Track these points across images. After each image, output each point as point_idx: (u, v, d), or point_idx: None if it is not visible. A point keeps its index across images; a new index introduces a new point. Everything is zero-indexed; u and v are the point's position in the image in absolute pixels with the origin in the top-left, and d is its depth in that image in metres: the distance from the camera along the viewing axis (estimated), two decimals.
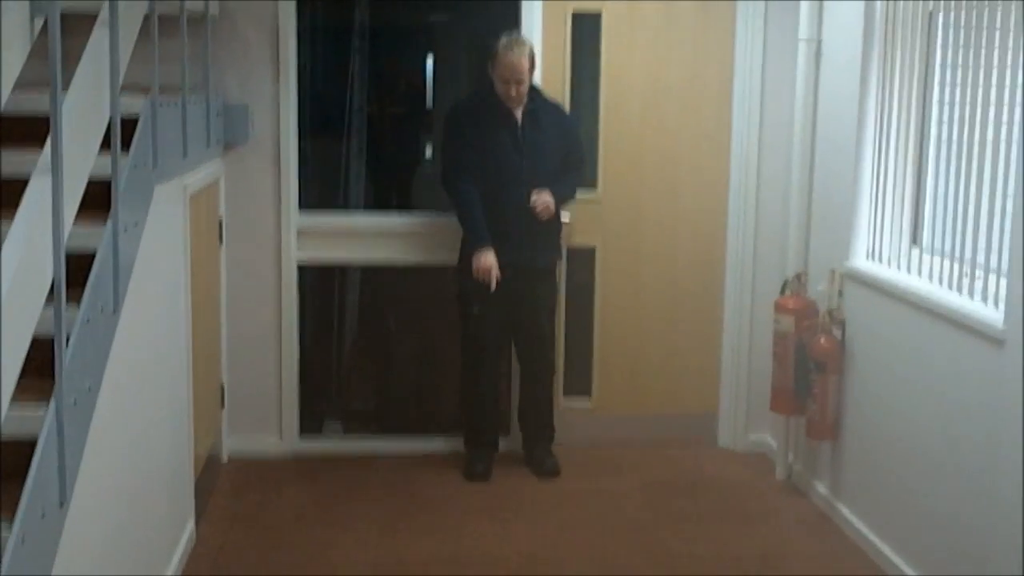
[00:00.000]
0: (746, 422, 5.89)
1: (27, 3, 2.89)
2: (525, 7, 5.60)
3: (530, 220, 5.27)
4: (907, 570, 4.32)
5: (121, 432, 3.48)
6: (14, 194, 2.73)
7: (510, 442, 5.75)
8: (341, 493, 5.22)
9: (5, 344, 2.31)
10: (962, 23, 4.16)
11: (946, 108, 4.30)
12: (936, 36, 4.41)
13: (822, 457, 5.14)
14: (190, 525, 4.56)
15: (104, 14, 3.18)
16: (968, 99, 4.09)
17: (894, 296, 4.47)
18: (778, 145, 5.61)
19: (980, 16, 4.01)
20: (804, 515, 5.08)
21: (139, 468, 3.78)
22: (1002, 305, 3.71)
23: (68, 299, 2.74)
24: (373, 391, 6.32)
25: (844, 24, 4.96)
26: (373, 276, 6.13)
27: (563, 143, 5.41)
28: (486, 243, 5.23)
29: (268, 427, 5.68)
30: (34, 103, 3.31)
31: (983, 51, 3.99)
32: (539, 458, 5.55)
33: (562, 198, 5.37)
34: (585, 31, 5.73)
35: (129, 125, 3.47)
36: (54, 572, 2.68)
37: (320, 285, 6.18)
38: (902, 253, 4.62)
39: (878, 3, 4.73)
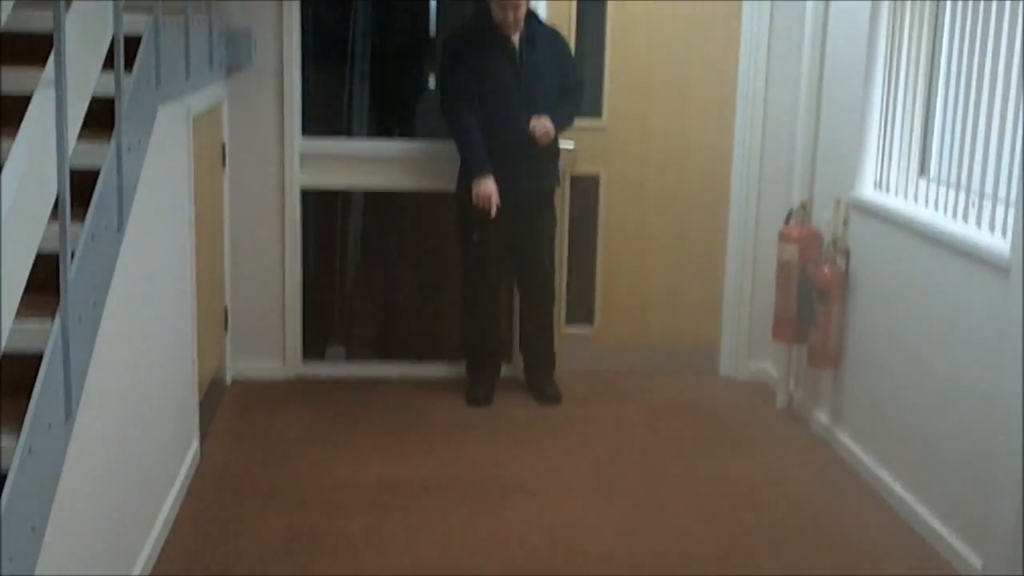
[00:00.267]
0: (747, 351, 5.91)
1: None
2: None
3: (529, 146, 5.26)
4: (906, 496, 4.35)
5: (126, 350, 3.50)
6: (15, 111, 2.72)
7: (512, 368, 5.78)
8: (343, 415, 5.26)
9: (9, 258, 2.31)
10: None
11: (956, 38, 4.27)
12: None
13: (823, 386, 5.17)
14: (195, 444, 4.60)
15: None
16: (979, 29, 4.06)
17: (899, 225, 4.47)
18: (786, 74, 5.57)
19: None
20: (803, 442, 5.11)
21: (145, 386, 3.80)
22: (1009, 234, 3.70)
23: (72, 216, 2.74)
24: (376, 317, 6.34)
25: None
26: (376, 202, 6.12)
27: (561, 68, 5.37)
28: (485, 170, 5.21)
29: (271, 352, 5.71)
30: (36, 20, 3.28)
31: None
32: (540, 385, 5.58)
33: (561, 124, 5.34)
34: None
35: (131, 44, 3.44)
36: (62, 483, 2.71)
37: (323, 210, 6.17)
38: (909, 183, 4.60)
39: None
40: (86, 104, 2.96)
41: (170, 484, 4.18)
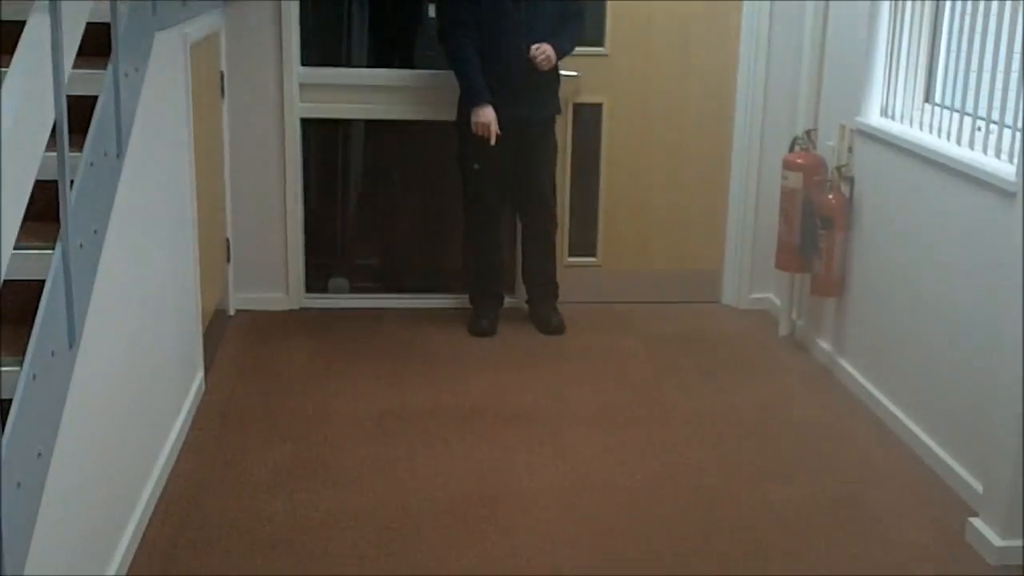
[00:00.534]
0: (750, 280, 5.90)
1: None
2: None
3: (529, 74, 5.21)
4: (908, 422, 4.37)
5: (129, 278, 3.49)
6: (10, 38, 2.69)
7: (515, 299, 5.77)
8: (347, 346, 5.26)
9: (7, 186, 2.29)
10: None
11: None
12: None
13: (826, 314, 5.16)
14: (199, 374, 4.61)
15: None
16: None
17: (905, 151, 4.44)
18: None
19: None
20: (806, 370, 5.12)
21: (148, 316, 3.80)
22: (1016, 159, 3.67)
23: (71, 144, 2.72)
24: (378, 248, 6.33)
25: None
26: (376, 132, 6.09)
27: None
28: (484, 99, 5.18)
29: (274, 283, 5.70)
30: None
31: None
32: (544, 315, 5.58)
33: (562, 50, 5.29)
34: None
35: None
36: (67, 411, 2.71)
37: (323, 141, 6.14)
38: (915, 109, 4.57)
39: None
40: (81, 30, 2.92)
41: (175, 414, 4.19)
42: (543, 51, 5.17)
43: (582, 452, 4.26)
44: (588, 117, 5.78)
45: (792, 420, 4.60)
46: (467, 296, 5.65)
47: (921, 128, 4.47)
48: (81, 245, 2.81)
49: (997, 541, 3.55)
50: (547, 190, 5.51)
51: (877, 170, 4.70)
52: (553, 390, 4.83)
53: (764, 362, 5.22)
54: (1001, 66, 3.89)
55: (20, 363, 2.44)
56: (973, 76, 4.09)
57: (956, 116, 4.21)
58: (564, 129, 5.65)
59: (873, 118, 4.79)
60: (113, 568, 3.23)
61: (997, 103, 3.94)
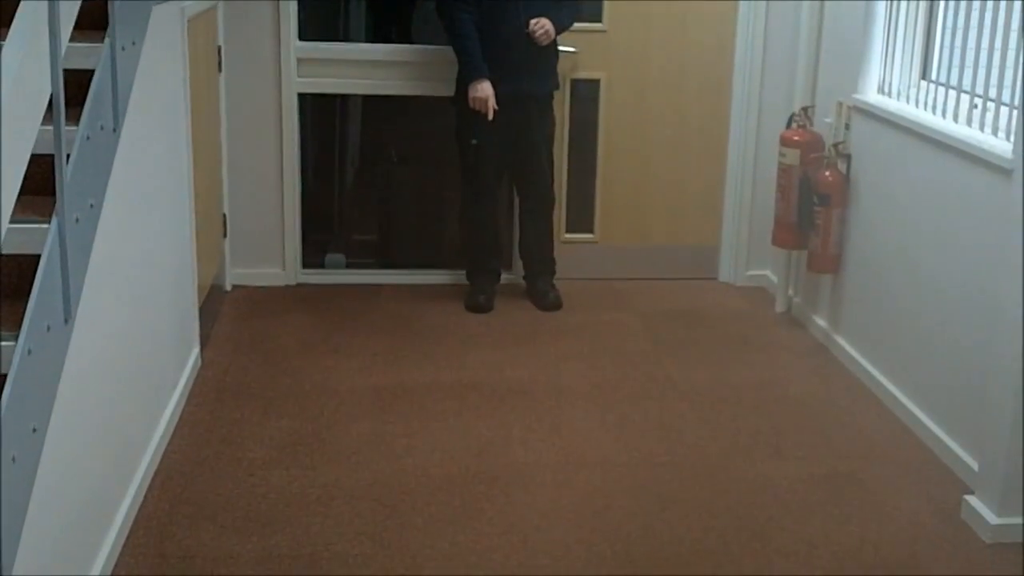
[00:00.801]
0: (747, 257, 5.90)
1: None
2: None
3: (527, 49, 5.20)
4: (904, 399, 4.37)
5: (125, 253, 3.49)
6: (7, 10, 2.68)
7: (512, 275, 5.77)
8: (344, 321, 5.26)
9: (3, 159, 2.28)
10: None
11: None
12: None
13: (822, 290, 5.17)
14: (195, 349, 4.61)
15: None
16: None
17: (902, 128, 4.43)
18: None
19: None
20: (802, 346, 5.13)
21: (144, 290, 3.79)
22: (1012, 136, 3.67)
23: (67, 117, 2.71)
24: (375, 224, 6.32)
25: None
26: (374, 107, 6.07)
27: None
28: (482, 73, 5.16)
29: (271, 258, 5.70)
30: None
31: None
32: (541, 291, 5.57)
33: (561, 25, 5.27)
34: None
35: None
36: (62, 386, 2.71)
37: (321, 116, 6.13)
38: (912, 86, 4.56)
39: None
40: (78, 3, 2.91)
41: (171, 389, 4.19)
42: (542, 25, 5.15)
43: (579, 428, 4.26)
44: (586, 93, 5.77)
45: (788, 397, 4.60)
46: (464, 272, 5.64)
47: (918, 105, 4.46)
48: (77, 219, 2.80)
49: (992, 519, 3.56)
50: (545, 166, 5.50)
51: (874, 147, 4.70)
52: (550, 366, 4.83)
53: (761, 339, 5.22)
54: (998, 43, 3.88)
55: (15, 337, 2.44)
56: (970, 53, 4.08)
57: (953, 93, 4.21)
58: (562, 105, 5.64)
59: (870, 95, 4.79)
60: (108, 543, 3.23)
61: (994, 80, 3.93)
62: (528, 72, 5.26)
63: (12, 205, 2.37)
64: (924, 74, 4.53)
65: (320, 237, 5.99)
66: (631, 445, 4.14)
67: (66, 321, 2.74)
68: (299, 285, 5.73)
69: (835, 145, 4.92)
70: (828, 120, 5.01)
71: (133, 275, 3.63)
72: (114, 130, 3.21)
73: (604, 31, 5.68)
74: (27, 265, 2.62)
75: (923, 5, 4.48)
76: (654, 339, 5.17)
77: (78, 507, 2.98)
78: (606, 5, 5.67)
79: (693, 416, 4.39)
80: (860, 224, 4.81)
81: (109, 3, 3.15)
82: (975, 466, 3.79)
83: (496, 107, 5.17)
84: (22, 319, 2.47)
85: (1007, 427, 3.52)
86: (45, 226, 2.66)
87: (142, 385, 3.76)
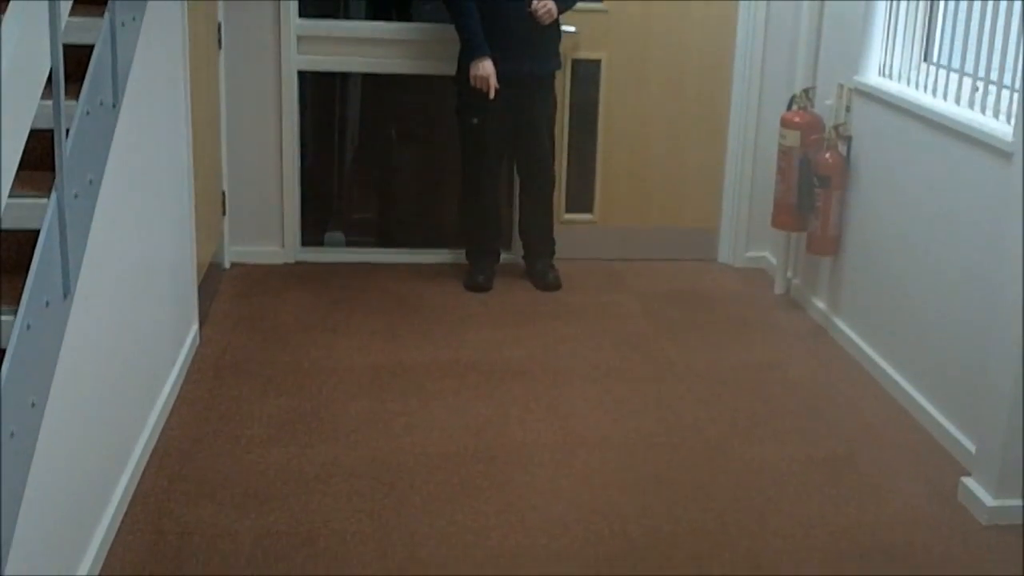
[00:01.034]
0: (746, 239, 5.90)
1: None
2: None
3: (529, 28, 5.18)
4: (902, 382, 4.37)
5: (124, 229, 3.48)
6: None
7: (512, 255, 5.77)
8: (343, 300, 5.26)
9: (3, 134, 2.28)
10: None
11: None
12: None
13: (821, 272, 5.17)
14: (194, 327, 4.61)
15: None
16: None
17: (902, 111, 4.42)
18: None
19: None
20: (801, 328, 5.13)
21: (143, 267, 3.79)
22: (1013, 119, 3.66)
23: (67, 93, 2.70)
24: (375, 202, 6.31)
25: None
26: (374, 85, 6.05)
27: None
28: (483, 51, 5.15)
29: (270, 236, 5.69)
30: None
31: None
32: (540, 271, 5.57)
33: (563, 5, 5.26)
34: None
35: None
36: (61, 361, 2.71)
37: (321, 94, 6.11)
38: (913, 69, 4.55)
39: None
40: None
41: (170, 366, 4.19)
42: (544, 5, 5.13)
43: (577, 408, 4.27)
44: (586, 73, 5.75)
45: (787, 378, 4.61)
46: (463, 251, 5.64)
47: (918, 88, 4.45)
48: (76, 195, 2.79)
49: (989, 501, 3.57)
50: (546, 146, 5.49)
51: (875, 129, 4.69)
52: (549, 346, 4.83)
53: (759, 320, 5.23)
54: (1000, 26, 3.87)
55: (15, 312, 2.44)
56: (972, 36, 4.07)
57: (954, 76, 4.20)
58: (562, 85, 5.63)
59: (871, 77, 4.78)
60: (107, 519, 3.24)
61: (995, 63, 3.93)
62: (530, 52, 5.25)
63: (11, 180, 2.37)
64: (925, 56, 4.53)
65: (319, 215, 5.99)
66: (629, 425, 4.15)
67: (65, 296, 2.74)
68: (298, 263, 5.72)
69: (836, 127, 4.91)
70: (829, 102, 5.00)
71: (132, 252, 3.63)
72: (114, 106, 3.20)
73: (605, 11, 5.66)
74: (26, 240, 2.62)
75: None
76: (653, 320, 5.17)
77: (76, 483, 2.98)
78: None
79: (691, 397, 4.40)
80: (860, 206, 4.81)
81: None
82: (972, 448, 3.80)
83: (497, 86, 5.16)
84: (21, 294, 2.47)
85: (1005, 409, 3.52)
86: (44, 201, 2.66)
87: (141, 362, 3.76)
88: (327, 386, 4.36)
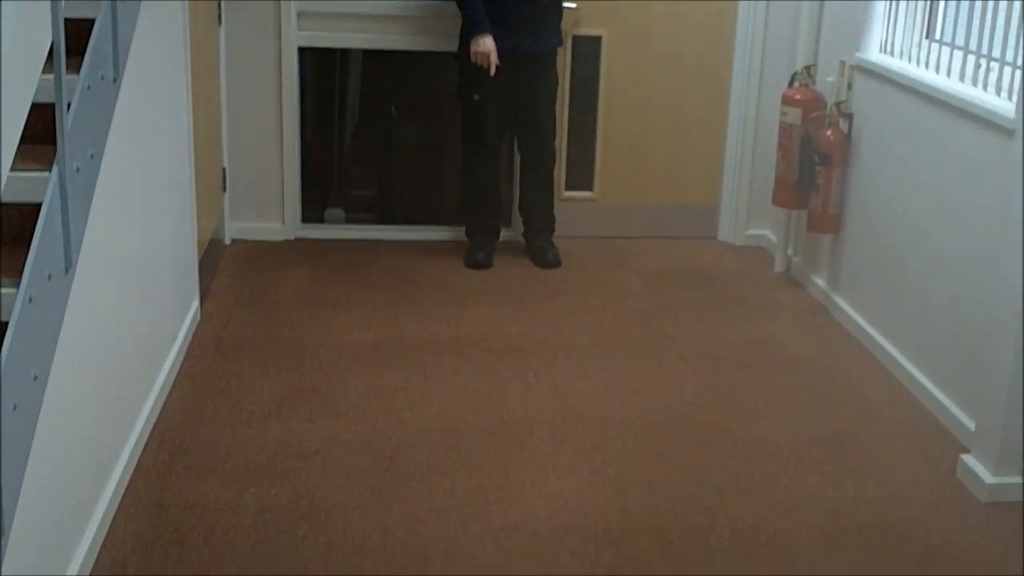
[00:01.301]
0: (747, 217, 5.90)
1: None
2: None
3: (531, 5, 5.17)
4: (902, 359, 4.38)
5: (125, 204, 3.48)
6: None
7: (512, 233, 5.77)
8: (343, 276, 5.26)
9: (4, 108, 2.28)
10: None
11: None
12: None
13: (822, 250, 5.17)
14: (195, 303, 4.61)
15: None
16: None
17: (904, 88, 4.42)
18: None
19: None
20: (801, 306, 5.13)
21: (144, 242, 3.79)
22: (1015, 96, 3.66)
23: (67, 67, 2.70)
24: (375, 179, 6.31)
25: None
26: (375, 62, 6.04)
27: None
28: (484, 28, 5.14)
29: (270, 213, 5.68)
30: None
31: None
32: (540, 248, 5.57)
33: None
34: None
35: None
36: (63, 335, 2.72)
37: (321, 70, 6.10)
38: (914, 45, 4.54)
39: None
40: None
41: (171, 342, 4.20)
42: None
43: (576, 384, 4.27)
44: (587, 50, 5.74)
45: (786, 356, 4.61)
46: (464, 228, 5.64)
47: (920, 65, 4.45)
48: (78, 169, 2.80)
49: (988, 478, 3.58)
50: (547, 123, 5.48)
51: (876, 106, 4.68)
52: (548, 323, 4.84)
53: (759, 298, 5.23)
54: (1002, 3, 3.87)
55: (17, 285, 2.44)
56: (975, 13, 4.06)
57: (956, 53, 4.20)
58: (563, 61, 5.62)
59: (873, 54, 4.77)
60: (109, 492, 3.25)
61: (997, 40, 3.92)
62: (531, 28, 5.24)
63: (13, 153, 2.37)
64: (928, 33, 4.51)
65: (320, 192, 5.98)
66: (629, 402, 4.16)
67: (67, 270, 2.74)
68: (298, 240, 5.72)
69: (837, 104, 4.90)
70: (830, 79, 4.99)
71: (133, 226, 3.63)
72: (114, 80, 3.20)
73: None
74: (28, 214, 2.62)
75: None
76: (653, 297, 5.17)
77: (79, 456, 3.00)
78: None
79: (691, 374, 4.40)
80: (861, 184, 4.81)
81: None
82: (971, 426, 3.81)
83: (498, 63, 5.15)
84: (23, 267, 2.48)
85: (1004, 387, 3.53)
86: (46, 175, 2.66)
87: (142, 336, 3.77)
88: (327, 362, 4.36)
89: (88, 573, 3.01)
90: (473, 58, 5.15)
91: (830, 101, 4.96)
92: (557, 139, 5.63)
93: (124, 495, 3.38)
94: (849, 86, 4.87)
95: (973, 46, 4.07)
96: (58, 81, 2.62)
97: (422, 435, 3.84)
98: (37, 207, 2.60)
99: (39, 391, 2.53)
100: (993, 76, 3.95)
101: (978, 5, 4.04)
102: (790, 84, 5.21)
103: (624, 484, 3.60)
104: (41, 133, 2.75)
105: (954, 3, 4.26)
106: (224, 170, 5.50)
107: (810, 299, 5.20)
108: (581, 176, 5.89)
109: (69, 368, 2.81)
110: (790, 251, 5.49)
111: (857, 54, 4.81)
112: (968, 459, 3.69)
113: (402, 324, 4.75)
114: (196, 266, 4.64)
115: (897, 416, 4.13)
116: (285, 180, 5.66)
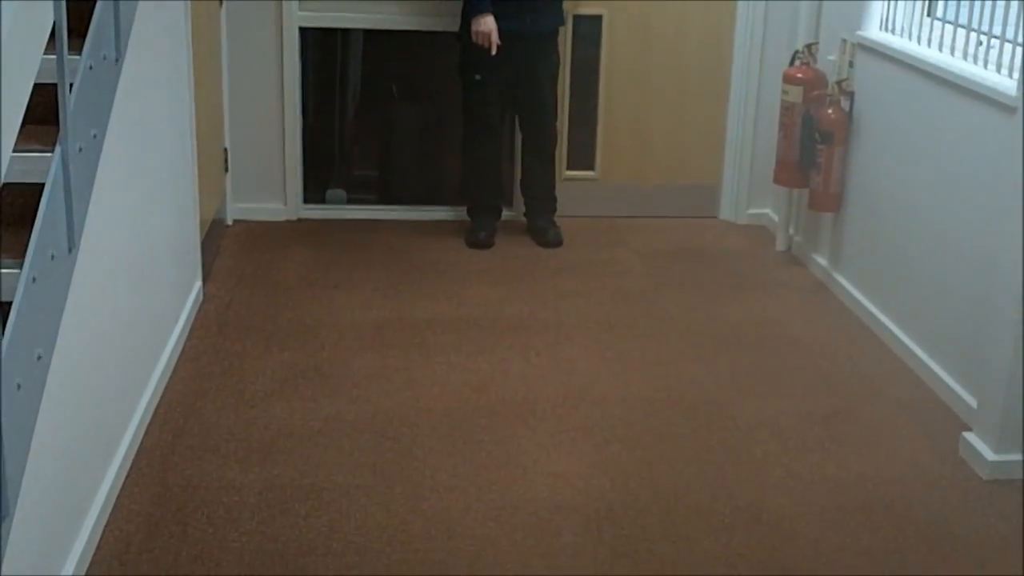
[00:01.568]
0: (748, 196, 5.89)
1: None
2: None
3: None
4: (904, 337, 4.39)
5: (128, 184, 3.49)
6: None
7: (513, 212, 5.77)
8: (345, 256, 5.27)
9: (6, 88, 2.28)
10: None
11: None
12: None
13: (823, 229, 5.17)
14: (197, 283, 4.62)
15: None
16: None
17: (906, 66, 4.41)
18: None
19: None
20: (802, 284, 5.14)
21: (147, 222, 3.80)
22: (1016, 73, 3.66)
23: (69, 47, 2.70)
24: (377, 159, 6.30)
25: None
26: (377, 42, 6.03)
27: None
28: (485, 7, 5.13)
29: (272, 193, 5.68)
30: None
31: None
32: (542, 228, 5.57)
33: None
34: None
35: None
36: (66, 315, 2.73)
37: (323, 50, 6.09)
38: (915, 23, 4.53)
39: None
40: None
41: (174, 322, 4.21)
42: None
43: (578, 364, 4.28)
44: (588, 29, 5.73)
45: (788, 335, 4.62)
46: (465, 208, 5.64)
47: (922, 42, 4.44)
48: (80, 149, 2.80)
49: (990, 455, 3.59)
50: (548, 103, 5.48)
51: (878, 85, 4.68)
52: (550, 303, 4.84)
53: (761, 277, 5.23)
54: None
55: (20, 265, 2.45)
56: None
57: (957, 30, 4.19)
58: (563, 41, 5.61)
59: (874, 32, 4.77)
60: (112, 472, 3.26)
61: (998, 17, 3.91)
62: (532, 8, 5.23)
63: (15, 134, 2.37)
64: (929, 11, 4.51)
65: (321, 172, 5.98)
66: (630, 381, 4.17)
67: (70, 250, 2.75)
68: (300, 220, 5.73)
69: (838, 83, 4.90)
70: (832, 57, 4.99)
71: (136, 207, 3.63)
72: (116, 61, 3.20)
73: None
74: (31, 194, 2.62)
75: None
76: (654, 277, 5.18)
77: (82, 436, 3.01)
78: None
79: (692, 353, 4.41)
80: (862, 162, 4.81)
81: None
82: (973, 403, 3.82)
83: (499, 43, 5.14)
84: (26, 247, 2.48)
85: (1006, 365, 3.54)
86: (48, 155, 2.66)
87: (145, 317, 3.78)
88: (329, 342, 4.37)
89: (92, 552, 3.02)
90: (474, 38, 5.14)
91: (831, 79, 4.95)
92: (558, 119, 5.63)
93: (128, 475, 3.39)
94: (850, 64, 4.87)
95: (974, 23, 4.07)
96: (60, 61, 2.62)
97: (424, 414, 3.85)
98: (40, 187, 2.61)
99: (43, 371, 2.54)
100: (994, 53, 3.95)
101: None
102: (791, 63, 5.20)
103: (625, 463, 3.61)
104: (43, 113, 2.76)
105: None
106: (226, 150, 5.50)
107: (811, 277, 5.20)
108: (582, 156, 5.88)
109: (72, 348, 2.81)
110: (791, 230, 5.50)
111: (858, 32, 4.80)
112: (970, 437, 3.70)
113: (404, 304, 4.76)
114: (198, 246, 4.65)
115: (898, 394, 4.14)
116: (287, 160, 5.66)
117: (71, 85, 2.74)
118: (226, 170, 5.52)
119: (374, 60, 6.20)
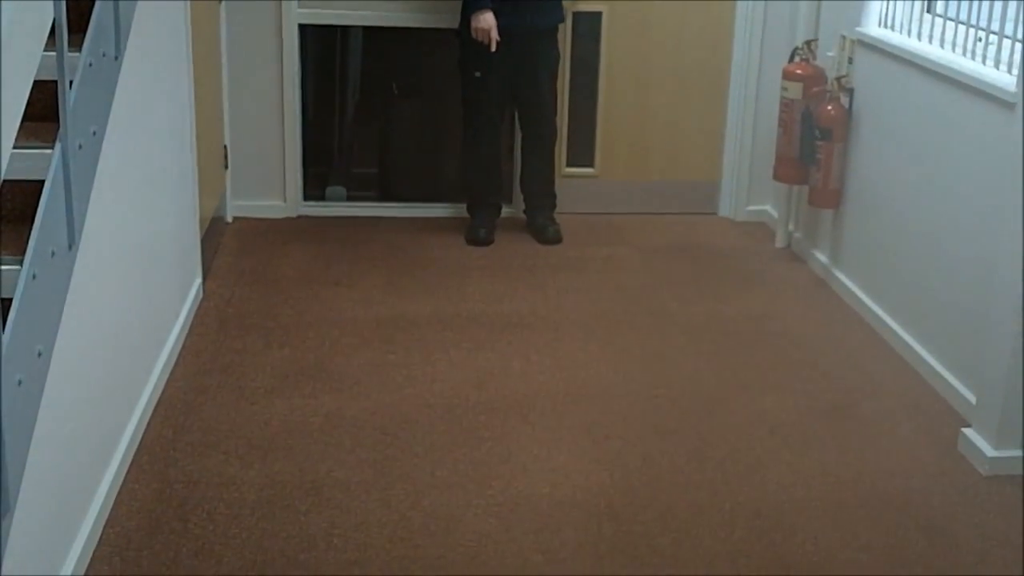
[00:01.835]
0: (748, 192, 5.90)
1: None
2: None
3: None
4: (902, 333, 4.39)
5: (128, 182, 3.49)
6: None
7: (513, 209, 5.77)
8: (345, 253, 5.27)
9: (6, 84, 2.28)
10: None
11: None
12: None
13: (822, 225, 5.17)
14: (197, 280, 4.62)
15: None
16: None
17: (905, 62, 4.42)
18: None
19: None
20: (802, 281, 5.14)
21: (147, 219, 3.80)
22: (1015, 69, 3.66)
23: (69, 44, 2.70)
24: (376, 156, 6.30)
25: None
26: (376, 38, 6.03)
27: None
28: (485, 4, 5.13)
29: (272, 191, 5.69)
30: None
31: None
32: (541, 225, 5.57)
33: None
34: None
35: None
36: (67, 312, 2.73)
37: (322, 47, 6.09)
38: (914, 19, 4.54)
39: None
40: None
41: (174, 318, 4.21)
42: None
43: (578, 360, 4.29)
44: (587, 26, 5.73)
45: (787, 330, 4.62)
46: (465, 205, 5.64)
47: (921, 39, 4.44)
48: (80, 146, 2.80)
49: (989, 451, 3.59)
50: (548, 100, 5.48)
51: (877, 81, 4.68)
52: (549, 299, 4.85)
53: (760, 273, 5.24)
54: None
55: (20, 262, 2.45)
56: None
57: (957, 26, 4.19)
58: (563, 38, 5.61)
59: (874, 28, 4.77)
60: (113, 468, 3.27)
61: (997, 13, 3.92)
62: (532, 4, 5.24)
63: (15, 131, 2.37)
64: (928, 7, 4.51)
65: (321, 169, 5.99)
66: (630, 377, 4.17)
67: (70, 247, 2.75)
68: (300, 217, 5.73)
69: (838, 79, 4.90)
70: (831, 54, 4.99)
71: (136, 203, 3.64)
72: (116, 58, 3.20)
73: None
74: (31, 191, 2.63)
75: None
76: (653, 273, 5.18)
77: (83, 432, 3.01)
78: None
79: (691, 349, 4.42)
80: (862, 159, 4.81)
81: None
82: (973, 399, 3.82)
83: (499, 39, 5.14)
84: (27, 244, 2.49)
85: (1005, 360, 3.54)
86: (49, 152, 2.66)
87: (145, 314, 3.78)
88: (329, 338, 4.38)
89: (93, 548, 3.03)
90: (474, 34, 5.15)
91: (831, 76, 4.96)
92: (558, 115, 5.63)
93: (128, 471, 3.40)
94: (850, 60, 4.87)
95: (973, 19, 4.07)
96: (60, 58, 2.62)
97: (424, 411, 3.86)
98: (40, 184, 2.61)
99: (43, 367, 2.54)
100: (993, 49, 3.95)
101: None
102: (791, 59, 5.21)
103: (625, 459, 3.61)
104: (43, 110, 2.76)
105: None
106: (226, 148, 5.51)
107: (811, 274, 5.20)
108: (582, 152, 5.88)
109: (73, 345, 2.82)
110: (791, 226, 5.50)
111: (858, 28, 4.81)
112: (969, 432, 3.70)
113: (404, 301, 4.76)
114: (198, 243, 4.65)
115: (898, 390, 4.15)
116: (287, 158, 5.66)
117: (71, 82, 2.74)
118: (226, 167, 5.52)
119: (373, 57, 6.20)
